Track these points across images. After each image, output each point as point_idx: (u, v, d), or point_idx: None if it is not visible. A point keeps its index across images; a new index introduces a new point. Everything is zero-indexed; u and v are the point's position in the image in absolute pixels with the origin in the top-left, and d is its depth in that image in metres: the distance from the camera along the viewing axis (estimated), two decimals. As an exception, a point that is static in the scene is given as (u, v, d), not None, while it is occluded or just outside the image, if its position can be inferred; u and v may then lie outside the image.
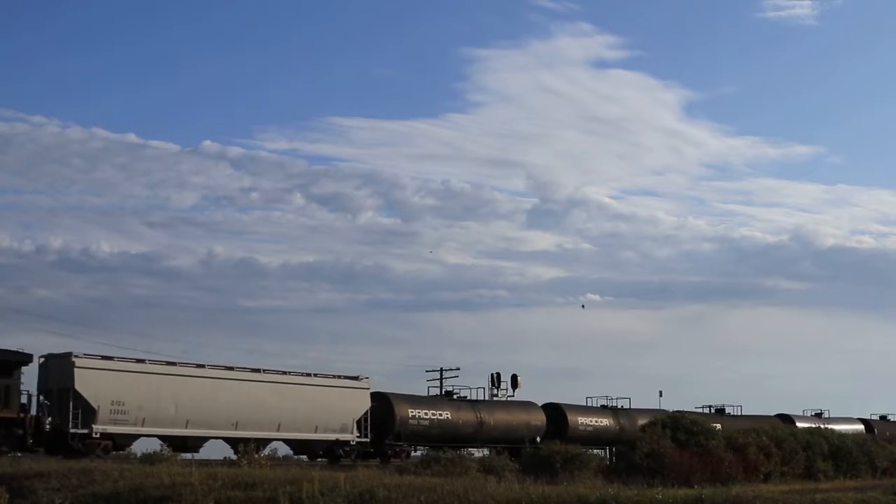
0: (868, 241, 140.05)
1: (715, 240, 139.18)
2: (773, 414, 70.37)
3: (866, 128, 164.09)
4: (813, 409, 75.59)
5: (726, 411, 67.06)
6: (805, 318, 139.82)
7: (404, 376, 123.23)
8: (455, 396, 54.24)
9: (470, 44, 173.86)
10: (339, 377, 47.70)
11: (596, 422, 58.77)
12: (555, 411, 56.95)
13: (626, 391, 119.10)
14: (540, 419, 55.38)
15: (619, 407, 61.79)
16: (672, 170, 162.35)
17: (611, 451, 56.72)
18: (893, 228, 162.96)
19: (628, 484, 28.35)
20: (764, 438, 49.50)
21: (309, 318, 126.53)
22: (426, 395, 52.85)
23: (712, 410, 66.84)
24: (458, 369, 63.42)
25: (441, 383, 62.26)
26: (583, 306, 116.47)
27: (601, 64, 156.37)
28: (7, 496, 26.62)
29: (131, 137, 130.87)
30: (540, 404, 57.10)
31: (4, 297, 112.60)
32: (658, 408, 62.71)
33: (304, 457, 45.31)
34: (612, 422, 59.51)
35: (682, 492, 24.45)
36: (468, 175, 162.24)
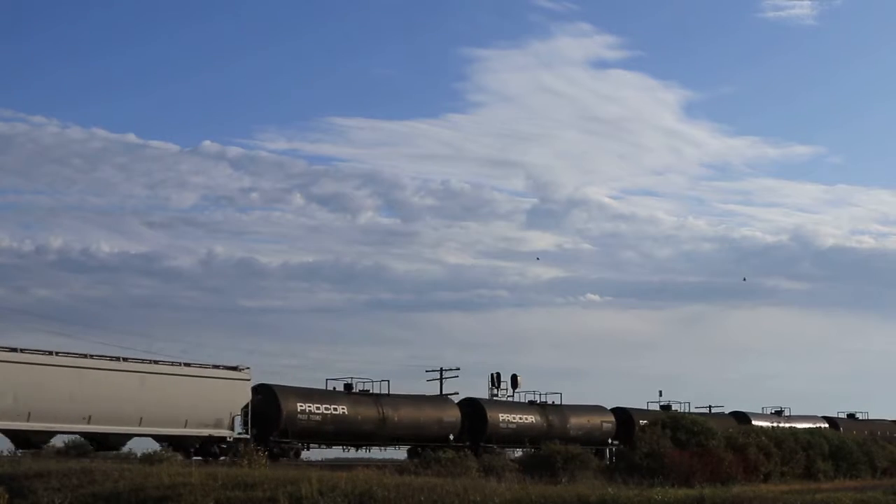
0: (868, 241, 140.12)
1: (715, 240, 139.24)
2: (727, 412, 66.45)
3: (866, 128, 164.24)
4: (773, 407, 70.77)
5: (673, 408, 63.18)
6: (805, 318, 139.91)
7: (404, 376, 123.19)
8: (357, 390, 48.73)
9: (470, 44, 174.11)
10: (216, 367, 43.73)
11: (520, 419, 54.01)
12: (472, 407, 52.78)
13: (626, 391, 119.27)
14: (454, 415, 51.19)
15: (549, 403, 57.29)
16: (672, 170, 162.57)
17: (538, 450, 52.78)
18: (893, 228, 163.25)
19: (628, 484, 28.37)
20: (764, 438, 49.57)
21: (309, 318, 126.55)
22: (324, 388, 48.04)
23: (659, 407, 63.19)
24: (458, 369, 63.44)
25: (441, 383, 62.33)
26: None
27: (601, 64, 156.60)
28: (7, 496, 26.64)
29: (131, 137, 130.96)
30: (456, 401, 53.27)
31: (4, 297, 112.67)
32: (596, 404, 60.00)
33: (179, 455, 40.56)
34: (538, 419, 54.98)
35: (682, 492, 24.47)
36: (468, 175, 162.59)
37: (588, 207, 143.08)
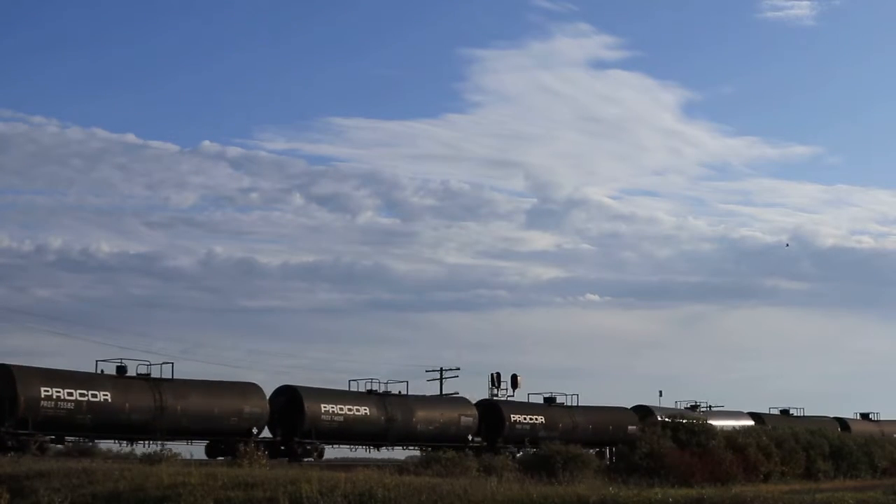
0: (867, 241, 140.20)
1: (715, 240, 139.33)
2: (629, 406, 61.10)
3: (865, 128, 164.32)
4: (689, 401, 64.76)
5: (557, 400, 57.58)
6: (805, 318, 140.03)
7: (404, 376, 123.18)
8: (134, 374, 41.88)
9: (469, 44, 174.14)
10: None
11: (349, 411, 46.76)
12: (287, 396, 45.80)
13: (627, 391, 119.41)
14: (259, 406, 44.30)
15: (392, 393, 50.04)
16: (671, 170, 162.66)
17: (375, 449, 47.88)
18: (892, 228, 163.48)
19: (628, 484, 28.37)
20: (764, 438, 49.66)
21: (309, 318, 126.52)
22: (86, 370, 41.36)
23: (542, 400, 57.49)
24: (458, 369, 63.46)
25: (441, 383, 62.39)
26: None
27: (600, 64, 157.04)
28: (7, 496, 26.65)
29: (131, 137, 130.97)
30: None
31: (4, 297, 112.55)
32: (457, 395, 54.67)
33: None
34: (374, 411, 47.65)
35: (682, 492, 24.44)
36: (467, 175, 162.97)
37: (587, 207, 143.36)
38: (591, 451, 49.75)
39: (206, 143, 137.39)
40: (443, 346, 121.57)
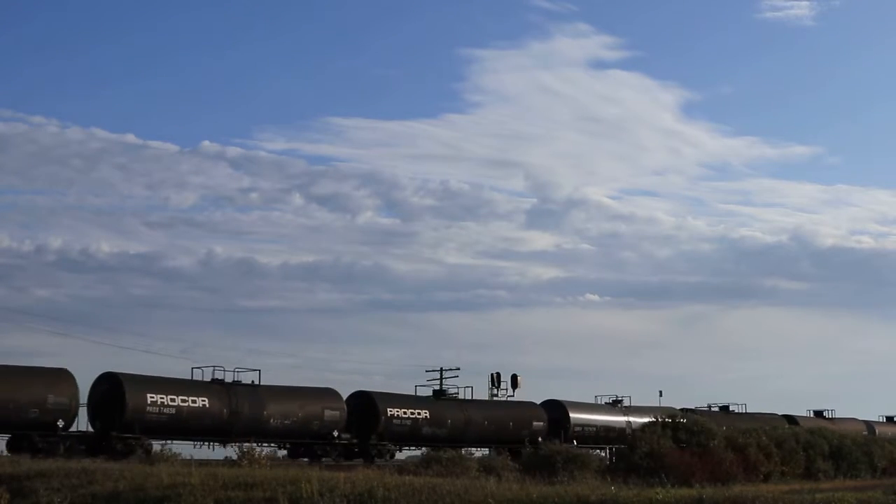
0: (867, 241, 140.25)
1: (714, 240, 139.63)
2: (539, 401, 57.96)
3: (864, 128, 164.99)
4: (610, 396, 63.15)
5: (450, 393, 55.18)
6: (805, 318, 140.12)
7: (404, 376, 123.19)
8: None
9: (469, 44, 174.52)
10: None
11: (184, 402, 41.84)
12: (108, 385, 40.97)
13: (626, 391, 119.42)
14: (68, 396, 39.60)
15: (241, 383, 45.13)
16: (671, 170, 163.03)
17: (221, 445, 43.83)
18: (892, 228, 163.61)
19: (628, 484, 28.37)
20: (764, 438, 49.65)
21: (308, 318, 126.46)
22: None
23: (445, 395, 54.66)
24: (459, 369, 63.39)
25: (441, 383, 62.38)
26: None
27: (600, 64, 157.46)
28: (7, 496, 26.66)
29: (130, 138, 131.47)
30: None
31: (4, 297, 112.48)
32: (324, 387, 48.85)
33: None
34: (216, 403, 43.19)
35: (683, 492, 24.43)
36: (467, 175, 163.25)
37: (587, 208, 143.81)
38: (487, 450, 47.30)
39: (206, 143, 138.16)
40: (443, 346, 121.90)
